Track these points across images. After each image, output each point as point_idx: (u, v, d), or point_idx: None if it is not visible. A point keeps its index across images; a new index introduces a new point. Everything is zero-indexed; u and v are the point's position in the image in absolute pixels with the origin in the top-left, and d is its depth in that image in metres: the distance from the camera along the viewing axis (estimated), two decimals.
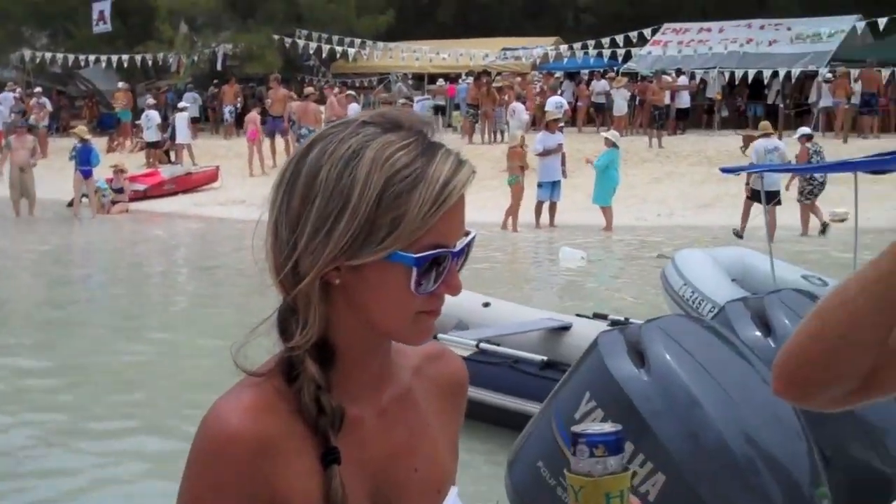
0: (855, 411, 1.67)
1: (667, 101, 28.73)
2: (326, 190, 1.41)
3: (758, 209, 16.07)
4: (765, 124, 19.06)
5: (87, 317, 12.81)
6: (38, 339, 11.54)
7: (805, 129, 19.65)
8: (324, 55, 36.80)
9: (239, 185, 24.99)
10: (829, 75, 28.41)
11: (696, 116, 31.05)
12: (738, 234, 17.32)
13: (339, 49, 36.04)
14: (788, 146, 19.14)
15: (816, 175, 17.60)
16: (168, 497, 1.48)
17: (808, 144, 18.40)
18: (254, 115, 27.95)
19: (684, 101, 29.74)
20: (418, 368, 1.62)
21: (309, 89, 29.73)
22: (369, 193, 1.38)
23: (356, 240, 1.39)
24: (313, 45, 36.30)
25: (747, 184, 17.46)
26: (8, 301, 13.60)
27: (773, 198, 16.51)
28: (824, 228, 18.16)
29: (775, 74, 30.59)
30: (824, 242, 17.31)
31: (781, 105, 30.29)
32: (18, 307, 13.46)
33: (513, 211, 19.24)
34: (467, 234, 1.47)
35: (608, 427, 1.46)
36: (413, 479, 1.55)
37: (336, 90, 31.11)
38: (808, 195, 18.13)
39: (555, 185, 19.32)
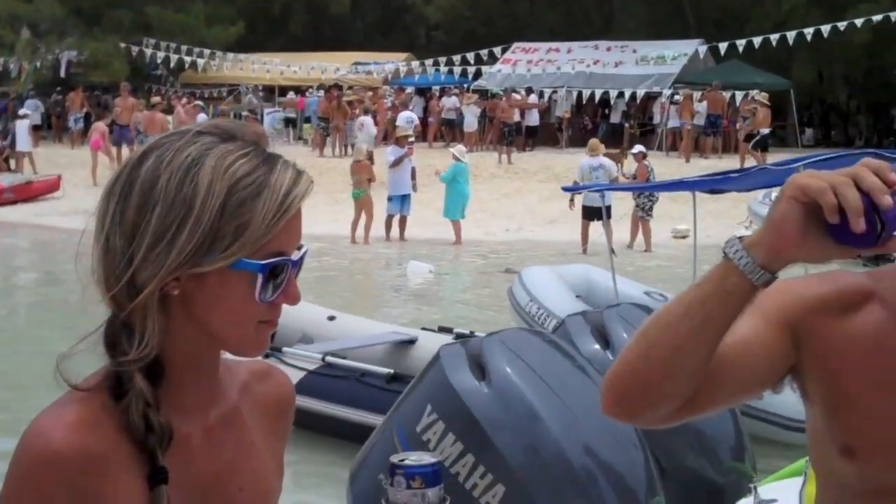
0: (689, 423, 1.71)
1: (517, 118, 29.11)
2: (167, 199, 1.38)
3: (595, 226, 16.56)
4: (594, 143, 19.39)
5: None
6: None
7: (640, 147, 20.11)
8: (172, 65, 36.20)
9: (83, 195, 24.28)
10: (678, 97, 29.16)
11: (545, 134, 31.53)
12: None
13: (187, 59, 35.50)
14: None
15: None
16: None
17: (646, 162, 18.91)
18: (101, 126, 27.30)
19: (534, 119, 30.17)
20: (246, 386, 1.59)
21: (156, 99, 29.19)
22: (213, 201, 1.37)
23: (200, 248, 1.37)
24: (161, 54, 35.69)
25: (572, 200, 17.69)
26: None
27: (598, 214, 16.92)
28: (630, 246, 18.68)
29: (621, 95, 31.29)
30: (666, 258, 17.73)
31: (627, 125, 31.04)
32: None
33: (366, 224, 19.17)
34: (300, 247, 1.47)
35: (427, 458, 1.44)
36: (238, 499, 1.53)
37: (184, 100, 30.62)
38: (649, 211, 18.58)
39: (404, 198, 19.36)
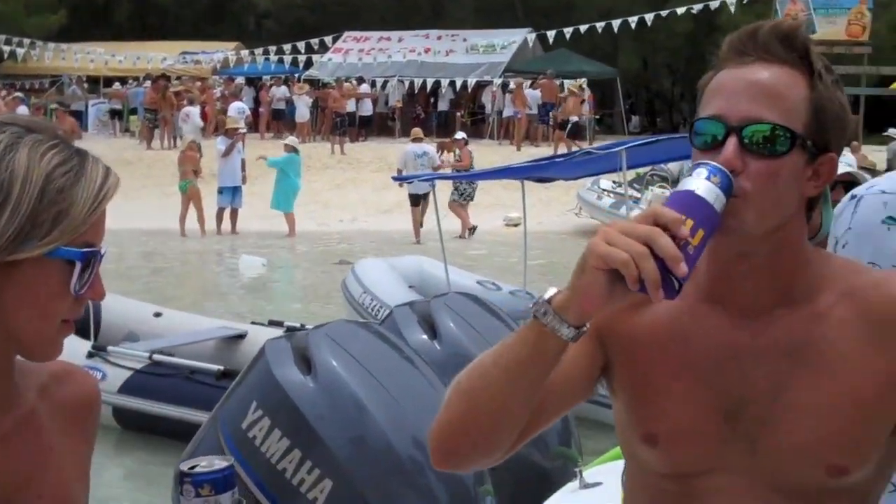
0: None
1: (350, 108, 29.02)
2: None
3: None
4: (416, 131, 19.86)
5: None
6: None
7: (461, 133, 20.36)
8: None
9: None
10: (512, 85, 29.46)
11: (379, 124, 31.55)
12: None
13: (6, 49, 34.23)
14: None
15: None
16: None
17: (468, 147, 19.19)
18: None
19: (366, 108, 30.14)
20: (44, 389, 1.54)
21: None
22: (31, 188, 1.35)
23: (18, 235, 1.34)
24: None
25: (401, 185, 17.86)
26: None
27: (422, 199, 17.50)
28: (473, 230, 18.92)
29: (452, 83, 31.51)
30: (499, 246, 17.93)
31: (459, 114, 31.28)
32: None
33: (198, 216, 18.85)
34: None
35: (217, 463, 1.41)
36: None
37: (3, 92, 29.56)
38: (468, 197, 18.80)
39: (235, 190, 19.09)
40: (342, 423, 4.10)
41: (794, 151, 1.53)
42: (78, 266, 1.39)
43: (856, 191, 2.63)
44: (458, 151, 19.66)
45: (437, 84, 31.53)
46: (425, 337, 5.30)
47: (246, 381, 4.38)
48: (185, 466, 1.40)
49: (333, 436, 4.06)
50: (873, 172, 12.01)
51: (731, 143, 1.52)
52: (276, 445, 4.10)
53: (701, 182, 1.46)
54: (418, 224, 18.22)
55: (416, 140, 19.07)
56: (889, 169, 17.63)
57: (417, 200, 18.00)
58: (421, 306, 5.56)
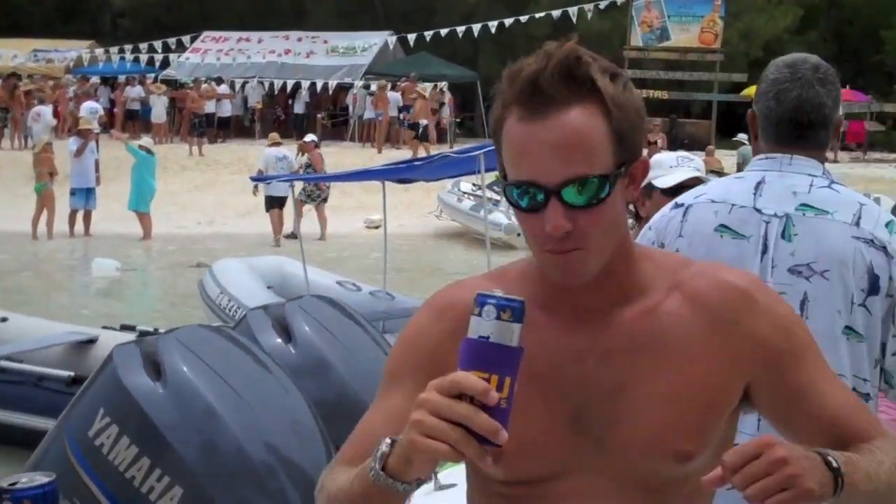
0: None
1: (209, 109, 28.60)
2: None
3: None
4: (273, 136, 19.72)
5: None
6: None
7: (311, 136, 20.25)
8: None
9: None
10: (374, 87, 29.40)
11: (238, 125, 31.18)
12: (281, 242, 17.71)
13: None
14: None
15: None
16: None
17: (318, 150, 19.09)
18: None
19: (225, 109, 29.76)
20: None
21: None
22: None
23: None
24: None
25: (256, 188, 17.63)
26: None
27: (281, 203, 17.62)
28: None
29: (314, 85, 31.33)
30: (359, 248, 17.88)
31: (320, 116, 31.11)
32: None
33: (48, 219, 18.37)
34: None
35: (38, 479, 1.38)
36: None
37: None
38: (316, 198, 18.66)
39: (89, 192, 18.63)
40: (192, 429, 4.03)
41: (615, 186, 1.54)
42: None
43: (681, 199, 2.67)
44: (306, 154, 19.35)
45: (297, 85, 31.32)
46: (280, 340, 5.24)
47: (93, 388, 4.27)
48: (4, 483, 1.36)
49: (183, 442, 3.98)
50: (720, 175, 12.35)
51: (555, 207, 1.51)
52: (125, 453, 4.01)
53: (492, 325, 1.39)
54: (279, 226, 18.06)
55: (275, 144, 18.88)
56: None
57: (275, 203, 17.90)
58: (275, 310, 5.50)
